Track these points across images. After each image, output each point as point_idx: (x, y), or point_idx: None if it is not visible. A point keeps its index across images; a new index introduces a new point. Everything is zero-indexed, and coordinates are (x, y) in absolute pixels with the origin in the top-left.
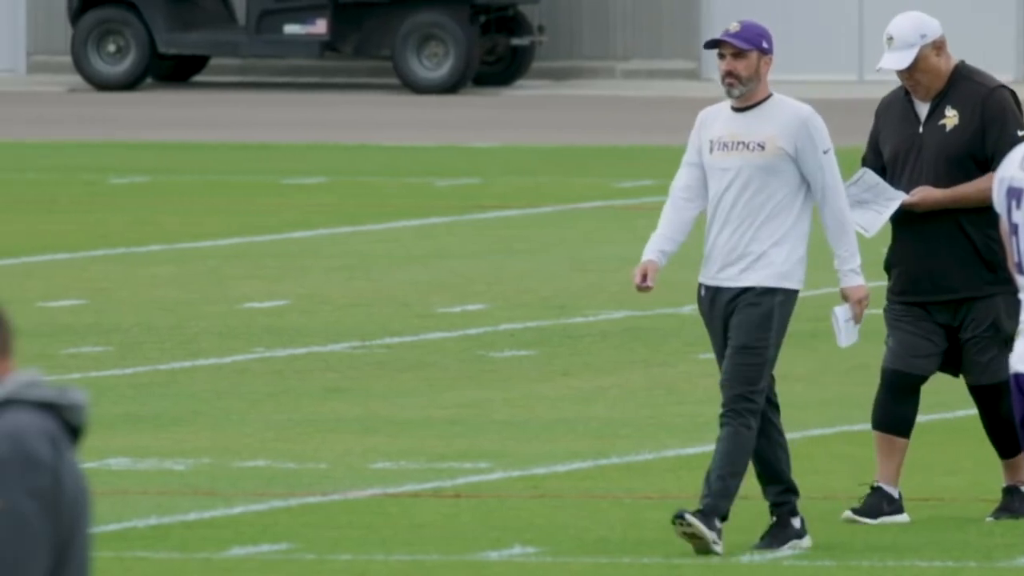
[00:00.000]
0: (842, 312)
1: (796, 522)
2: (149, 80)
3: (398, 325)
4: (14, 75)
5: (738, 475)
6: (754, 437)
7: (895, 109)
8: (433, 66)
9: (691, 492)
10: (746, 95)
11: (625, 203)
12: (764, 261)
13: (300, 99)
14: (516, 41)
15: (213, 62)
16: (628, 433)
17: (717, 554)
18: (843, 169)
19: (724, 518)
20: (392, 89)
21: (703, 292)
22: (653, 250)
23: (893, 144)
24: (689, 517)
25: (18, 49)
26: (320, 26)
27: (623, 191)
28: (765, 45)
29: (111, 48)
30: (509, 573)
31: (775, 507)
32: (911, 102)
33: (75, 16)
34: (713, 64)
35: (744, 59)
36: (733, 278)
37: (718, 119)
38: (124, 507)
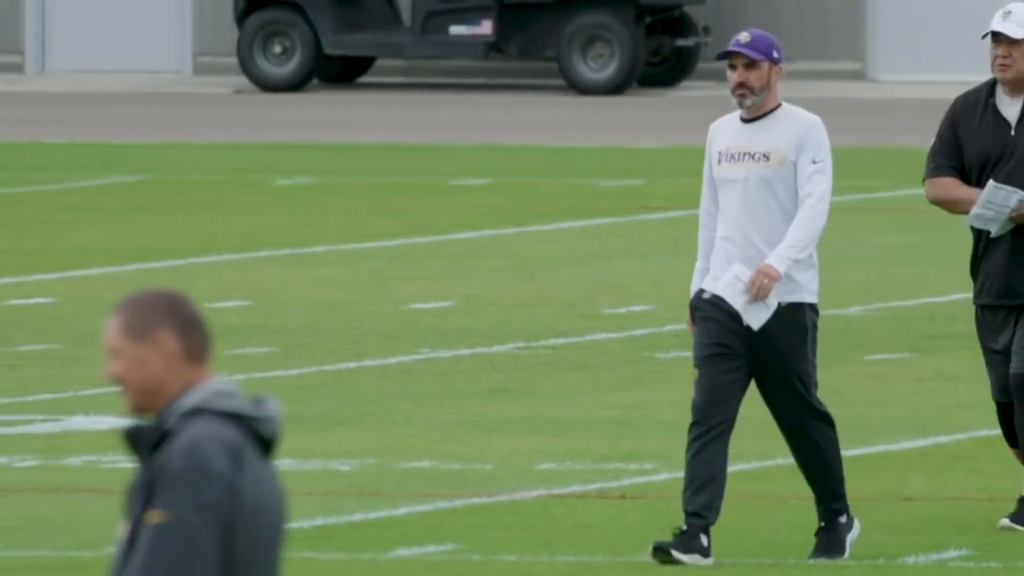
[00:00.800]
0: (742, 276)
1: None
2: (315, 81)
3: (563, 326)
4: (180, 77)
5: (841, 481)
6: (835, 437)
7: (976, 109)
8: (598, 67)
9: (858, 493)
10: (756, 105)
11: None
12: (785, 277)
13: (465, 100)
14: (681, 42)
15: (378, 63)
16: None
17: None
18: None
19: (845, 511)
20: (557, 90)
21: (705, 294)
22: (698, 289)
23: (981, 147)
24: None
25: (184, 51)
26: (485, 27)
27: None
28: (775, 55)
29: (277, 49)
30: (673, 574)
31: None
32: (994, 102)
33: (241, 17)
34: (880, 64)
35: (756, 69)
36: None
37: (726, 131)
38: (291, 507)
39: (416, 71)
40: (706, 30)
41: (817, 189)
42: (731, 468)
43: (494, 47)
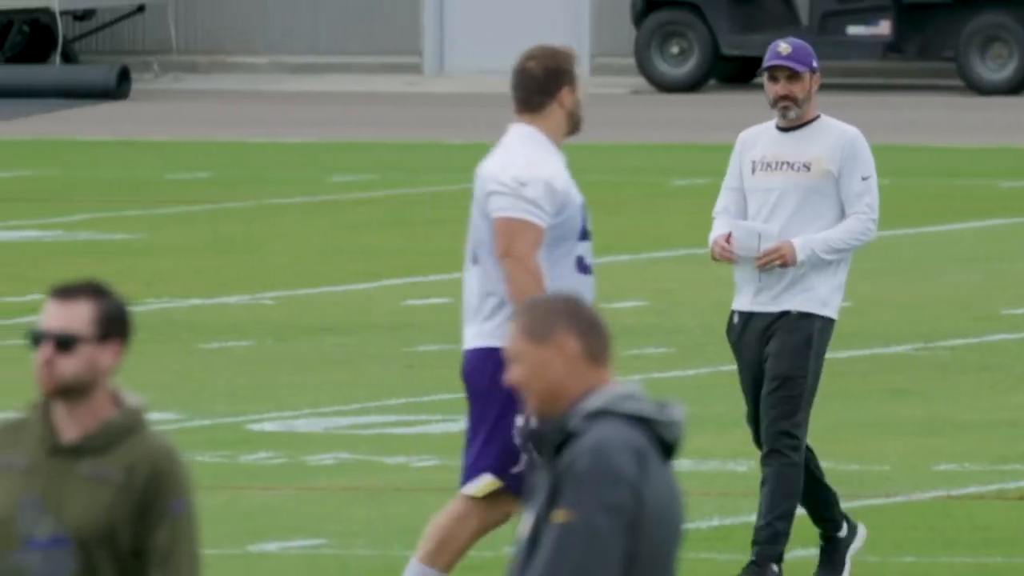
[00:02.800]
0: (765, 234)
1: (841, 533)
2: (712, 82)
3: (959, 327)
4: None
5: (786, 517)
6: (800, 474)
7: None
8: (996, 67)
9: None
10: (799, 117)
11: None
12: (803, 285)
13: (862, 100)
14: None
15: None
16: None
17: None
18: None
19: (779, 559)
20: (953, 91)
21: (735, 319)
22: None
23: None
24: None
25: (581, 51)
26: (883, 27)
27: None
28: (815, 64)
29: (674, 50)
30: None
31: (824, 534)
32: None
33: (639, 18)
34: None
35: (800, 81)
36: (769, 302)
37: (760, 140)
38: (688, 508)
39: None
40: None
41: (874, 202)
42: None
43: (892, 47)
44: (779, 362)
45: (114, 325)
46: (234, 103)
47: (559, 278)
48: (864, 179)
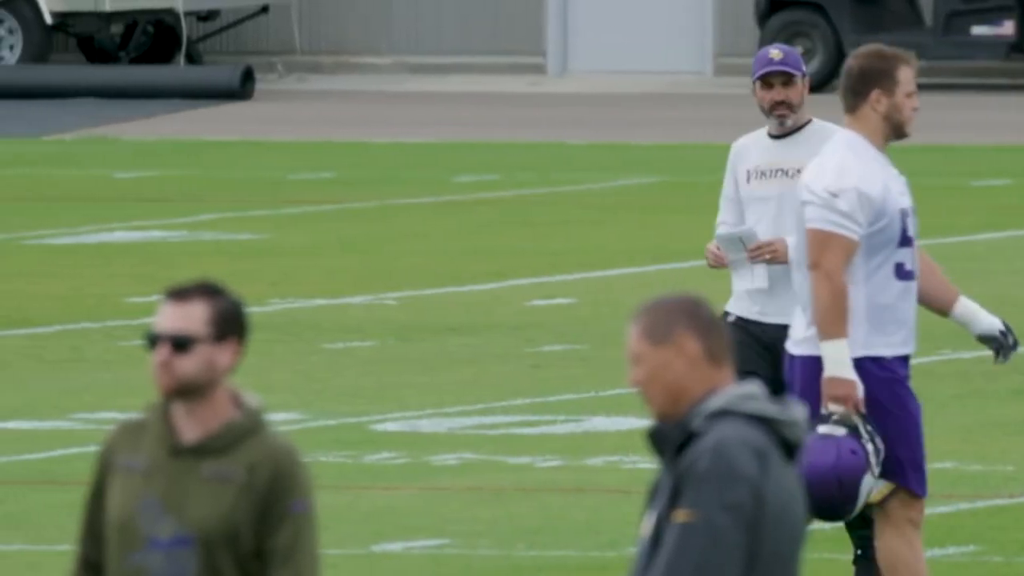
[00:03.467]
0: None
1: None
2: (836, 82)
3: None
4: (701, 78)
5: None
6: None
7: None
8: None
9: None
10: (795, 122)
11: None
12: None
13: (984, 101)
14: None
15: None
16: None
17: None
18: None
19: None
20: None
21: (732, 319)
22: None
23: None
24: None
25: (705, 52)
26: (1007, 27)
27: None
28: (804, 68)
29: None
30: None
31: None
32: None
33: (763, 18)
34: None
35: (794, 86)
36: (771, 313)
37: (753, 148)
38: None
39: (935, 71)
40: None
41: None
42: None
43: (1016, 48)
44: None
45: (230, 325)
46: (357, 103)
47: (878, 286)
48: None
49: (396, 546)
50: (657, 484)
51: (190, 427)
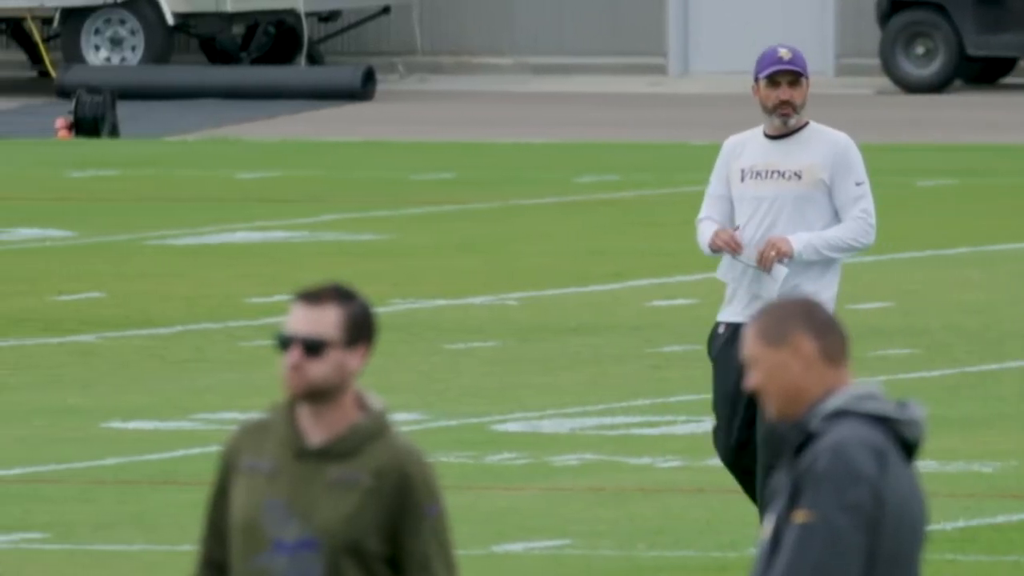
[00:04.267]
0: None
1: None
2: (957, 82)
3: None
4: (823, 78)
5: None
6: None
7: None
8: None
9: None
10: (797, 123)
11: None
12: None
13: None
14: None
15: (1021, 63)
16: None
17: None
18: None
19: None
20: None
21: (721, 329)
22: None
23: None
24: None
25: (826, 52)
26: None
27: None
28: (808, 68)
29: (919, 50)
30: None
31: None
32: None
33: (884, 18)
34: None
35: (800, 87)
36: None
37: (748, 147)
38: (932, 509)
39: None
40: None
41: (870, 208)
42: None
43: None
44: None
45: (361, 329)
46: (479, 104)
47: None
48: (858, 184)
49: (517, 547)
50: (777, 485)
51: (316, 430)
